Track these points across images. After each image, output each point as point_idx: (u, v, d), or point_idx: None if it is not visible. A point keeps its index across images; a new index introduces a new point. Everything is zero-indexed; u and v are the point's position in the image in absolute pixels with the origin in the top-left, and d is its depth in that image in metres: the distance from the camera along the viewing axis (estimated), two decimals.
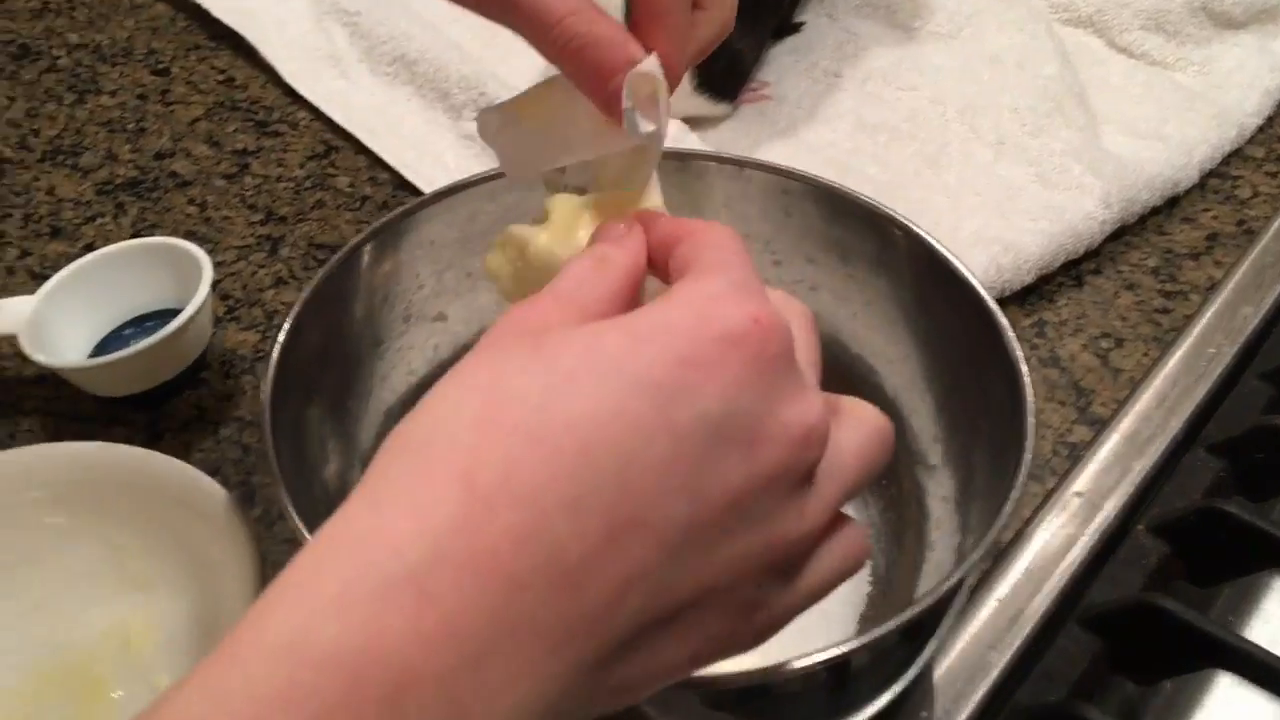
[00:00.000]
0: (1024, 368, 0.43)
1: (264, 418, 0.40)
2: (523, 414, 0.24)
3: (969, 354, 0.47)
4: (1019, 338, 0.62)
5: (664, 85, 0.34)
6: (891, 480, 0.51)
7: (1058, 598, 0.47)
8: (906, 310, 0.51)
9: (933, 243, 0.49)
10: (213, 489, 0.45)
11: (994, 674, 0.44)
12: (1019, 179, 0.68)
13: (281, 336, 0.43)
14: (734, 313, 0.26)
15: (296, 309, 0.44)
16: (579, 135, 0.35)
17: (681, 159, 0.53)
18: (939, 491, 0.49)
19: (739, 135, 0.73)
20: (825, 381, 0.30)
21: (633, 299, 0.30)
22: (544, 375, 0.25)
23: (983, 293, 0.47)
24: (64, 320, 0.59)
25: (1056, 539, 0.50)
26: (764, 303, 0.27)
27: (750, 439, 0.25)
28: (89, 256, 0.60)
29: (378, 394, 0.51)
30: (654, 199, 0.35)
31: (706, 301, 0.26)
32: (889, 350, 0.51)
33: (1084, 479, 0.53)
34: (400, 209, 0.49)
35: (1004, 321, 0.45)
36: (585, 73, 0.33)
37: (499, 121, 0.37)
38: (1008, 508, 0.36)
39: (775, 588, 0.27)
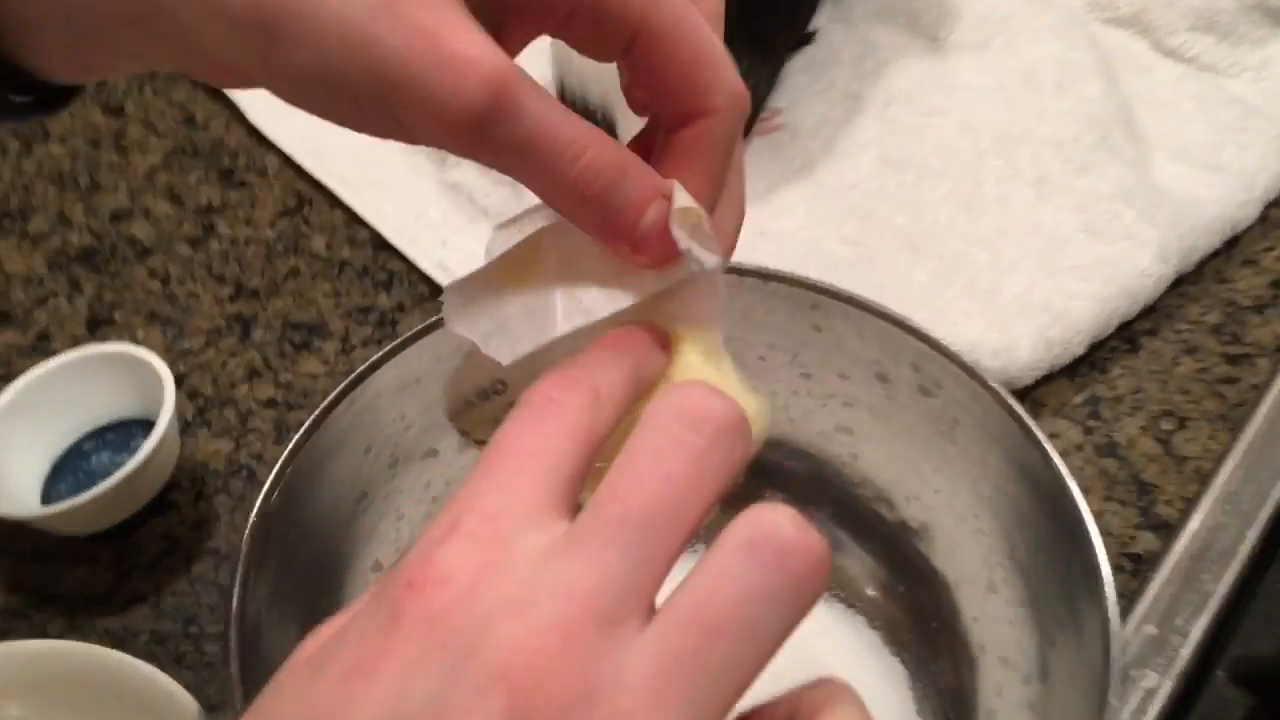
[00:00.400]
0: (1101, 554, 0.37)
1: (231, 659, 0.35)
2: None
3: (1029, 495, 0.42)
4: (1070, 418, 0.57)
5: (705, 214, 0.28)
6: (936, 626, 0.46)
7: None
8: (953, 436, 0.45)
9: (977, 374, 0.43)
10: (186, 703, 0.40)
11: None
12: (1064, 228, 0.61)
13: (245, 547, 0.37)
14: (392, 594, 0.22)
15: (259, 505, 0.39)
16: (590, 289, 0.29)
17: None
18: (996, 650, 0.44)
19: (752, 178, 0.65)
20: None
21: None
22: None
23: (1051, 450, 0.40)
24: (16, 444, 0.53)
25: (1132, 694, 0.45)
26: (432, 558, 0.22)
27: (439, 713, 0.21)
28: (39, 369, 0.54)
29: (363, 553, 0.45)
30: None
31: (382, 585, 0.22)
32: (935, 479, 0.46)
33: (1153, 610, 0.47)
34: (379, 355, 0.43)
35: (1074, 490, 0.39)
36: (613, 213, 0.27)
37: (469, 297, 0.30)
38: None
39: None
